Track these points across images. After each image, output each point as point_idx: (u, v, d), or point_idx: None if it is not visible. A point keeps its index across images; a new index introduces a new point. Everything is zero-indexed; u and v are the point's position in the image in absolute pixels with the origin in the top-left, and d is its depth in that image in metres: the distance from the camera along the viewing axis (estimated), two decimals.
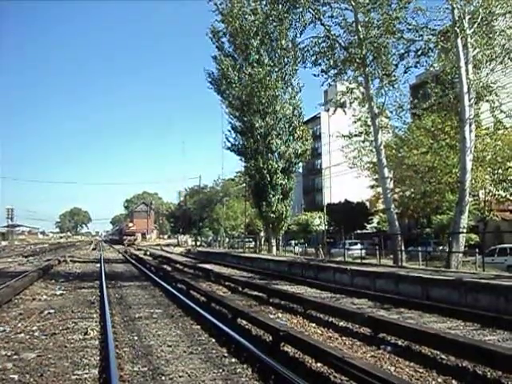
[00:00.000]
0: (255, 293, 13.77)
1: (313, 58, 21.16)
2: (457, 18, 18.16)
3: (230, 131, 36.19)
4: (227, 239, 65.62)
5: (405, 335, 7.33)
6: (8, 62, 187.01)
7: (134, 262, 29.88)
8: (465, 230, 18.87)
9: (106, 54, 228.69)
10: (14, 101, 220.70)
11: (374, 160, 28.71)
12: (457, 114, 20.37)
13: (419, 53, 19.70)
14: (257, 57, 32.72)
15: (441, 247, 28.65)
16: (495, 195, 32.20)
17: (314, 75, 21.45)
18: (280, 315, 10.21)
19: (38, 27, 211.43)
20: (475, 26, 18.61)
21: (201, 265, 26.09)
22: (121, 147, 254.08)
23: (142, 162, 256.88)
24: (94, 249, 60.57)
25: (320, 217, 45.05)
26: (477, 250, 20.62)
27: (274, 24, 22.55)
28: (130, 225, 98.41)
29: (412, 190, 34.40)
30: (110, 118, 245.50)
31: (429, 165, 29.56)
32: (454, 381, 5.57)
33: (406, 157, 31.76)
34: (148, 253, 44.69)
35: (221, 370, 5.92)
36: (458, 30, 18.08)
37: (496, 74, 20.30)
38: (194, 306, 10.54)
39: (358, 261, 24.15)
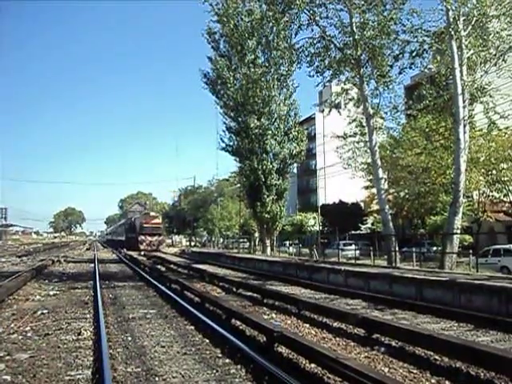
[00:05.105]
0: (249, 293, 13.74)
1: (308, 59, 21.18)
2: (451, 20, 18.26)
3: (224, 131, 36.15)
4: (221, 240, 65.52)
5: (399, 336, 7.33)
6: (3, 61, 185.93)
7: (127, 262, 29.76)
8: (459, 231, 18.94)
9: (100, 54, 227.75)
10: (8, 100, 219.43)
11: (369, 161, 28.80)
12: (451, 115, 20.45)
13: (414, 54, 19.77)
14: (252, 57, 32.74)
15: (435, 248, 28.75)
16: (489, 196, 32.42)
17: (309, 76, 21.49)
18: (274, 316, 10.20)
19: (38, 26, 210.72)
20: (470, 27, 18.73)
21: (195, 265, 26.00)
22: (115, 147, 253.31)
23: (137, 162, 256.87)
24: (88, 249, 60.71)
25: (314, 217, 45.08)
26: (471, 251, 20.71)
27: (270, 25, 22.53)
28: (152, 213, 60.57)
29: (406, 190, 34.50)
30: (104, 118, 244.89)
31: (423, 166, 29.70)
32: (447, 381, 5.58)
33: (400, 158, 31.89)
34: (142, 253, 44.56)
35: (214, 371, 5.90)
36: (452, 32, 18.19)
37: (490, 75, 20.38)
38: (187, 306, 10.51)
39: (352, 261, 24.21)
